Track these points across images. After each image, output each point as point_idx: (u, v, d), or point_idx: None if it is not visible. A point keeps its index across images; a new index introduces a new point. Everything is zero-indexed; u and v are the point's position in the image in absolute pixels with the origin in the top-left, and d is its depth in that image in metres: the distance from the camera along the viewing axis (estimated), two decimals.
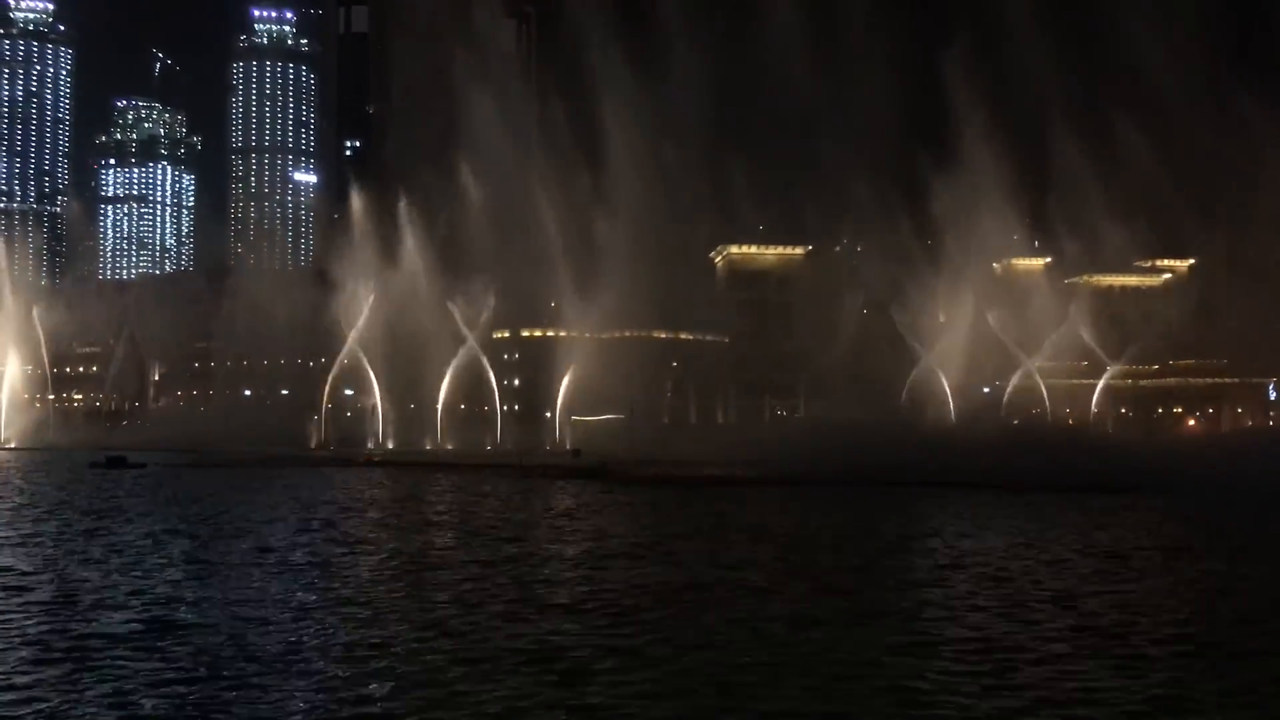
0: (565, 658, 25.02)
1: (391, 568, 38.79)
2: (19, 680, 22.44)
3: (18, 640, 26.51)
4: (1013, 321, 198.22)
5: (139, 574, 36.85)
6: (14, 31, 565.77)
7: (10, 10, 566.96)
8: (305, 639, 26.91)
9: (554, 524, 55.86)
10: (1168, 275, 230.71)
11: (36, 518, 57.62)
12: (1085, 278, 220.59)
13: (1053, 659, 25.53)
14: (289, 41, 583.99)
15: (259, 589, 33.92)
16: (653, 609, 30.77)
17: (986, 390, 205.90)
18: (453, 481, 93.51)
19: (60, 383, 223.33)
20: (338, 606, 31.19)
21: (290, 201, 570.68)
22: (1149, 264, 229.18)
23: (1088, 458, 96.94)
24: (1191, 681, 23.81)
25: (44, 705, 20.82)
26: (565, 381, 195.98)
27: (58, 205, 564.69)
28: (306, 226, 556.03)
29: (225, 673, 23.34)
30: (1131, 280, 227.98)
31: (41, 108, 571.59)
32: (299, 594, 33.25)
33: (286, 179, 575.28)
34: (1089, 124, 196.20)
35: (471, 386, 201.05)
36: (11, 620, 28.72)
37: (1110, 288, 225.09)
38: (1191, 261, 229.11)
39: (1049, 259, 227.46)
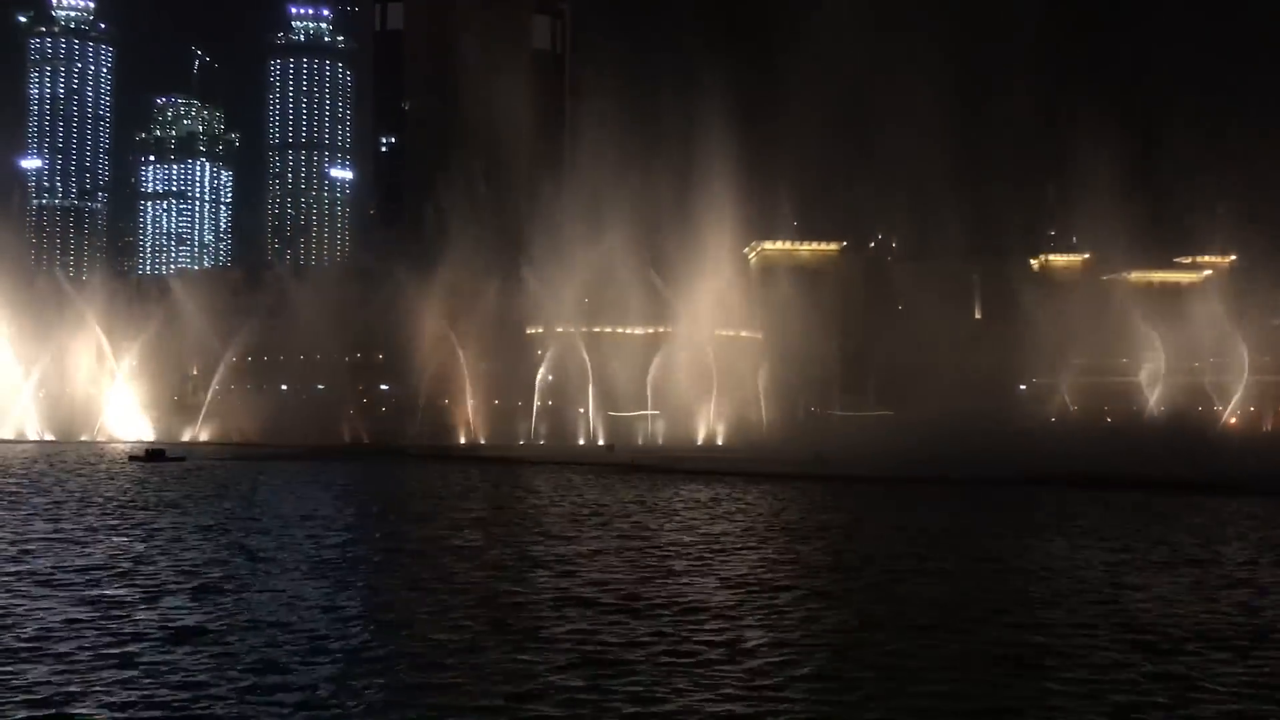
0: None
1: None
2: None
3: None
4: (1052, 318, 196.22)
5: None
6: (56, 30, 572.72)
7: (52, 9, 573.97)
8: None
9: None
10: (1208, 272, 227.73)
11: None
12: (1124, 274, 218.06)
13: None
14: (326, 39, 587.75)
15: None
16: None
17: (1023, 387, 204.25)
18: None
19: (100, 376, 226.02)
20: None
21: (326, 197, 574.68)
22: (1189, 260, 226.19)
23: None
24: None
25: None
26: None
27: (99, 201, 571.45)
28: (342, 222, 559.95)
29: None
30: (1171, 276, 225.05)
31: (83, 105, 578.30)
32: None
33: (323, 175, 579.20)
34: (1132, 120, 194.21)
35: (506, 381, 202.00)
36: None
37: (1149, 284, 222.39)
38: (1233, 258, 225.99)
39: (1087, 255, 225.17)
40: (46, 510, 57.17)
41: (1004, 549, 43.80)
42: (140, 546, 42.03)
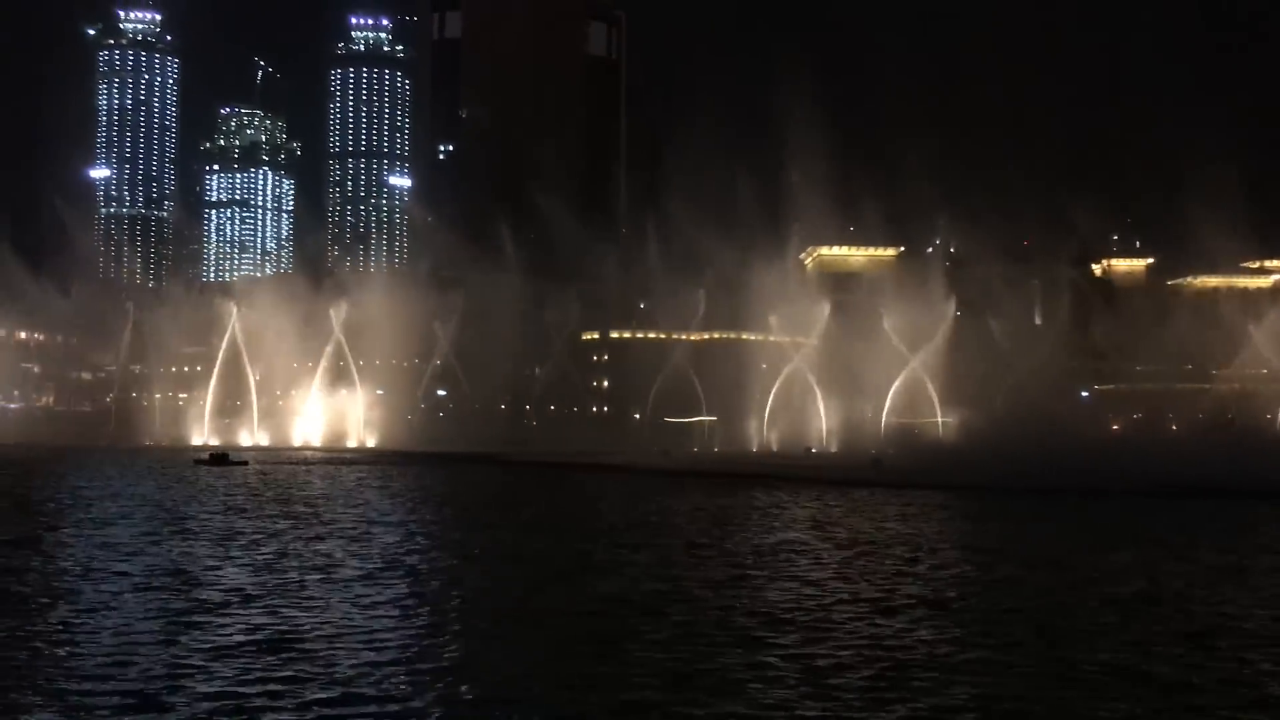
0: None
1: None
2: None
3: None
4: (1114, 324, 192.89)
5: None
6: (123, 42, 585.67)
7: (120, 22, 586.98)
8: None
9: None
10: (1277, 276, 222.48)
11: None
12: (1189, 279, 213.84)
13: None
14: (385, 48, 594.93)
15: None
16: None
17: (1085, 395, 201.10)
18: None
19: (167, 381, 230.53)
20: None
21: (385, 205, 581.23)
22: (1256, 265, 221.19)
23: None
24: None
25: None
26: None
27: (165, 210, 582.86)
28: (401, 229, 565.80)
29: None
30: (1238, 282, 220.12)
31: (150, 116, 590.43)
32: None
33: (382, 183, 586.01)
34: (1197, 125, 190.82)
35: (561, 387, 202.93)
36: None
37: (1215, 289, 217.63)
38: None
39: (1151, 260, 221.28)
40: (116, 516, 58.40)
41: None
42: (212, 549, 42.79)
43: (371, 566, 37.93)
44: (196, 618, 27.61)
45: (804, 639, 26.58)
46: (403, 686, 21.57)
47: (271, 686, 21.44)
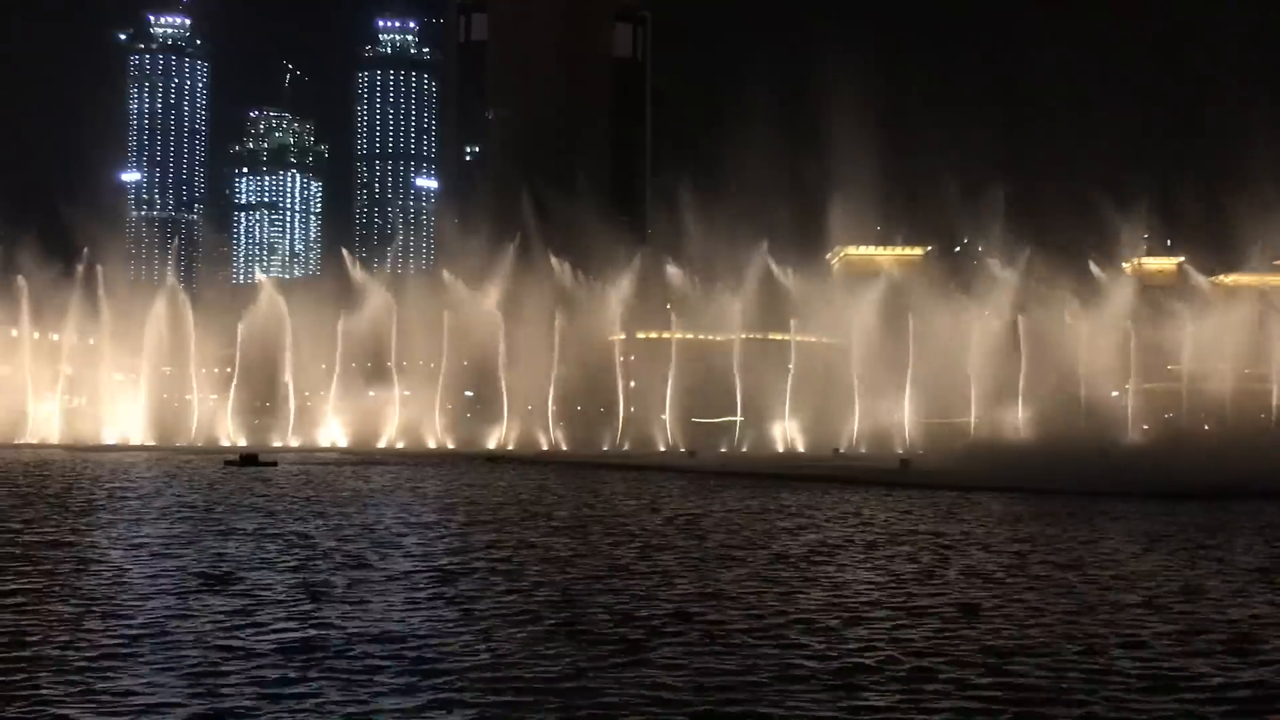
0: None
1: None
2: None
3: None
4: (1146, 323, 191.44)
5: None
6: (154, 47, 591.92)
7: (151, 27, 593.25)
8: None
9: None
10: None
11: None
12: (1221, 278, 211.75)
13: None
14: (411, 50, 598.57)
15: None
16: None
17: (1116, 394, 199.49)
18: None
19: (198, 383, 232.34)
20: None
21: (412, 207, 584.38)
22: None
23: None
24: None
25: None
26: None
27: (195, 213, 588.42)
28: (428, 231, 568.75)
29: None
30: (1272, 280, 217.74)
31: (180, 119, 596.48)
32: None
33: (409, 185, 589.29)
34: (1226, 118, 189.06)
35: (588, 387, 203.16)
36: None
37: (1248, 288, 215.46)
38: None
39: (1183, 259, 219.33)
40: (151, 515, 58.81)
41: None
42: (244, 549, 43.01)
43: (406, 567, 38.00)
44: (238, 620, 27.66)
45: (838, 640, 26.35)
46: (446, 689, 21.44)
47: (312, 689, 21.37)
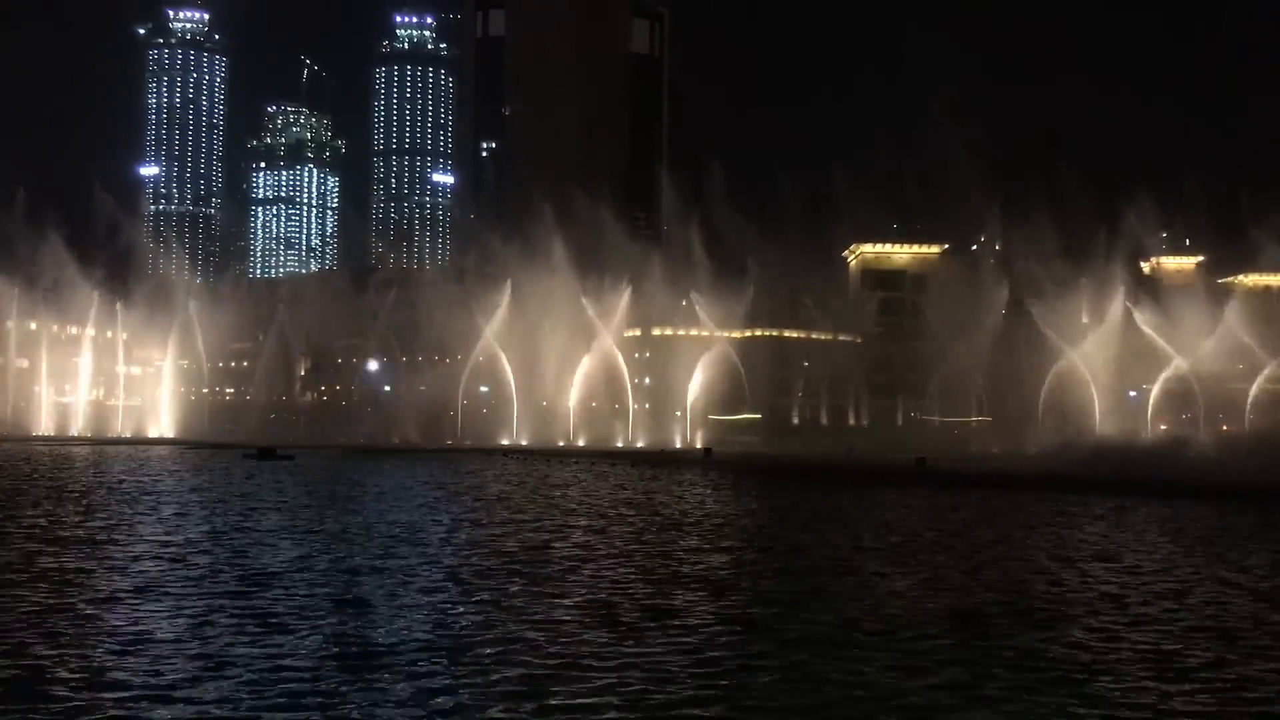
0: None
1: None
2: None
3: None
4: (1163, 323, 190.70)
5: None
6: (173, 41, 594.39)
7: (169, 22, 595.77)
8: None
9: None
10: None
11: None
12: (1240, 277, 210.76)
13: None
14: (428, 46, 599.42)
15: None
16: None
17: (1133, 394, 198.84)
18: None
19: (215, 377, 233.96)
20: None
21: (429, 202, 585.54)
22: None
23: None
24: None
25: None
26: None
27: (212, 207, 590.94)
28: (444, 226, 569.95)
29: None
30: None
31: (198, 114, 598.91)
32: None
33: (425, 180, 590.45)
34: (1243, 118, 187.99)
35: (604, 383, 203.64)
36: None
37: (1268, 288, 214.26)
38: None
39: (1201, 258, 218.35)
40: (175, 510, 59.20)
41: None
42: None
43: (421, 563, 38.25)
44: (272, 621, 27.77)
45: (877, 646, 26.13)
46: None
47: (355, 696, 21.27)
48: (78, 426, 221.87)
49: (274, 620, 27.01)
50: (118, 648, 23.92)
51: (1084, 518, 60.59)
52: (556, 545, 43.59)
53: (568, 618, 27.70)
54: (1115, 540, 48.66)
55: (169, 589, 31.62)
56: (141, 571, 35.08)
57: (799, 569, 38.04)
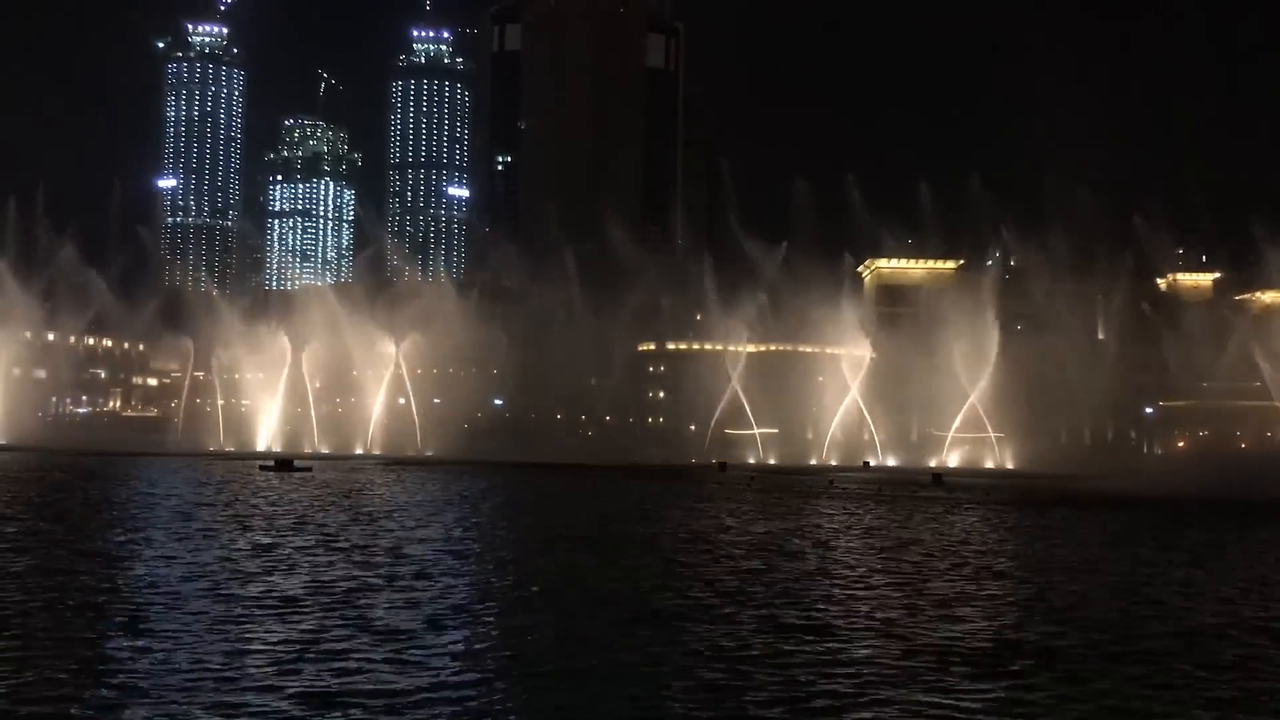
0: None
1: None
2: None
3: None
4: (1180, 340, 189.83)
5: None
6: (191, 55, 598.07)
7: (188, 35, 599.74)
8: None
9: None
10: None
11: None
12: (1255, 295, 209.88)
13: None
14: (445, 60, 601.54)
15: None
16: None
17: (1150, 411, 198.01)
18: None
19: (232, 388, 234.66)
20: None
21: (444, 215, 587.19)
22: None
23: None
24: None
25: None
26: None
27: (229, 220, 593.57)
28: (459, 239, 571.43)
29: None
30: None
31: (215, 127, 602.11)
32: None
33: (441, 194, 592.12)
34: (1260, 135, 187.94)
35: (618, 399, 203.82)
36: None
37: None
38: None
39: (1217, 275, 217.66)
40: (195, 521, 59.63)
41: None
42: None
43: (447, 570, 38.55)
44: (316, 641, 28.01)
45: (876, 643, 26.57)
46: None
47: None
48: (94, 437, 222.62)
49: None
50: None
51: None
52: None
53: None
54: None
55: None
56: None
57: None
